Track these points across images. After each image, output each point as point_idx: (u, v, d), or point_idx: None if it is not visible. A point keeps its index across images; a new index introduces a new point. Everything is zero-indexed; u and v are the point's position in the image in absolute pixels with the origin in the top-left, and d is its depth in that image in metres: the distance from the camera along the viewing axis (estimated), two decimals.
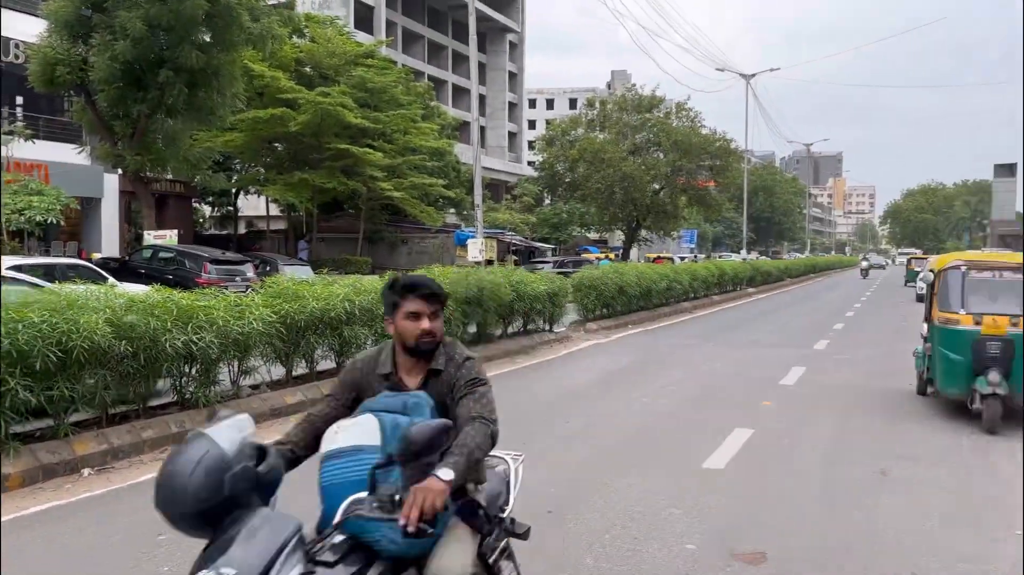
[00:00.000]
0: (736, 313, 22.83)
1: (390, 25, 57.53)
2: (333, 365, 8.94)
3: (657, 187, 43.45)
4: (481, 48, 67.41)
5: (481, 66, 68.02)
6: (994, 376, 7.30)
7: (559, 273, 17.89)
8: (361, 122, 30.40)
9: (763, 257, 66.94)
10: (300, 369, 8.54)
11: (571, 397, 9.37)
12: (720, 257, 53.83)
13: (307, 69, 33.17)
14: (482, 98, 68.37)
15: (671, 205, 43.65)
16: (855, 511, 5.28)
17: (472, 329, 11.84)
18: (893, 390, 9.74)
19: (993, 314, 7.54)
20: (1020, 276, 7.69)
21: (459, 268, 12.27)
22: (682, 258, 49.74)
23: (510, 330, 13.28)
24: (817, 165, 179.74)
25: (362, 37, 46.45)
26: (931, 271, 8.60)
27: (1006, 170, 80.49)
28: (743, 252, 50.79)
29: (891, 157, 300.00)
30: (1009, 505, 5.38)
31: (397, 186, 32.61)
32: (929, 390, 8.87)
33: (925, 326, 8.73)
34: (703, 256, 60.92)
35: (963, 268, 8.00)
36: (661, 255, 49.40)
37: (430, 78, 58.20)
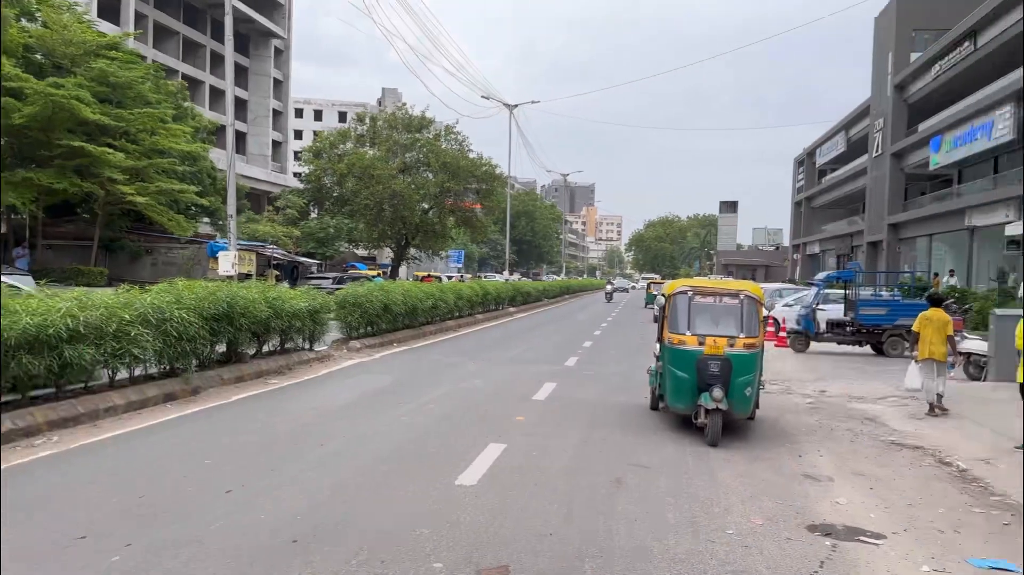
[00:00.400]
0: (498, 331, 23.63)
1: (140, 17, 52.98)
2: (53, 390, 7.92)
3: (426, 206, 43.98)
4: (243, 51, 64.14)
5: (243, 69, 64.69)
6: (718, 393, 8.03)
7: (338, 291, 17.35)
8: (100, 118, 27.63)
9: (524, 278, 70.16)
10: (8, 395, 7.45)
11: (328, 418, 9.08)
12: (485, 277, 55.68)
13: (38, 56, 29.55)
14: (244, 103, 64.91)
15: (439, 225, 44.38)
16: (594, 519, 5.60)
17: (221, 348, 11.10)
18: (631, 404, 10.55)
19: (714, 335, 8.38)
20: (736, 301, 8.63)
21: (208, 282, 11.43)
22: (449, 277, 50.68)
23: (266, 349, 12.64)
24: (573, 194, 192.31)
25: (106, 27, 42.36)
26: (663, 295, 9.32)
27: (729, 206, 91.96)
28: (506, 273, 52.86)
29: (636, 190, 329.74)
30: (723, 507, 6.01)
31: (141, 190, 29.98)
32: (660, 405, 9.56)
33: (657, 346, 9.53)
34: (469, 276, 62.56)
35: (689, 293, 8.78)
36: (430, 274, 49.98)
37: (185, 77, 54.33)
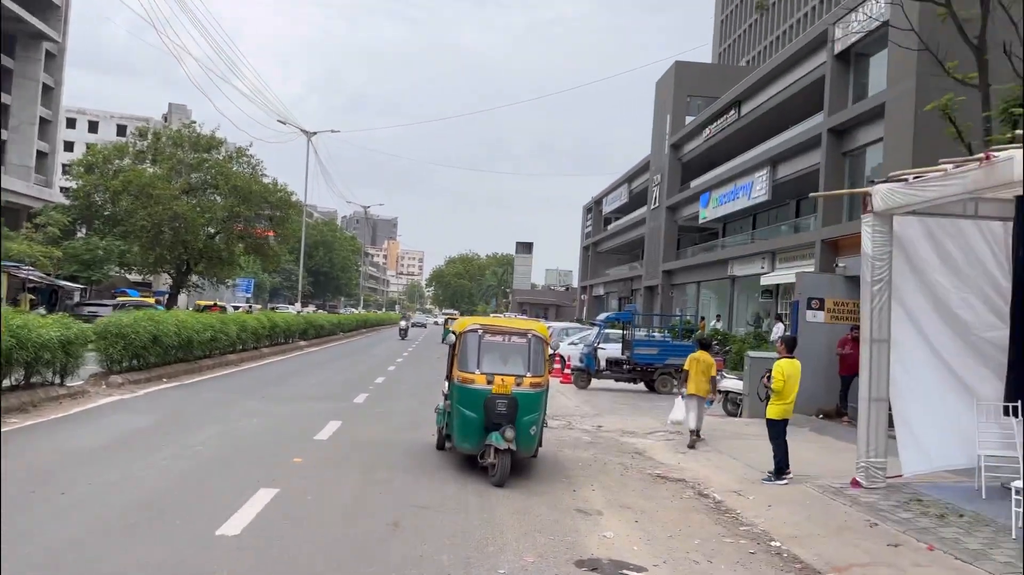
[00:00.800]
0: (285, 366, 22.59)
1: None
2: None
3: (212, 231, 41.46)
4: (9, 51, 57.72)
5: (7, 71, 58.09)
6: (510, 433, 7.94)
7: None
8: None
9: (320, 310, 68.06)
10: None
11: (74, 462, 8.08)
12: (276, 308, 53.21)
13: None
14: (5, 107, 58.16)
15: (227, 251, 41.96)
16: (365, 567, 5.37)
17: None
18: (419, 443, 10.41)
19: (502, 374, 8.37)
20: (524, 340, 8.70)
21: None
22: (236, 307, 47.91)
23: (6, 383, 11.11)
24: (375, 227, 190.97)
25: None
26: (453, 332, 9.11)
27: (525, 247, 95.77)
28: (298, 304, 50.98)
29: (439, 226, 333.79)
30: (497, 546, 6.01)
31: None
32: (448, 445, 9.36)
33: (446, 384, 9.39)
34: (258, 306, 59.55)
35: (479, 331, 8.73)
36: (216, 303, 46.94)
37: None
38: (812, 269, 24.72)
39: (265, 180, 42.90)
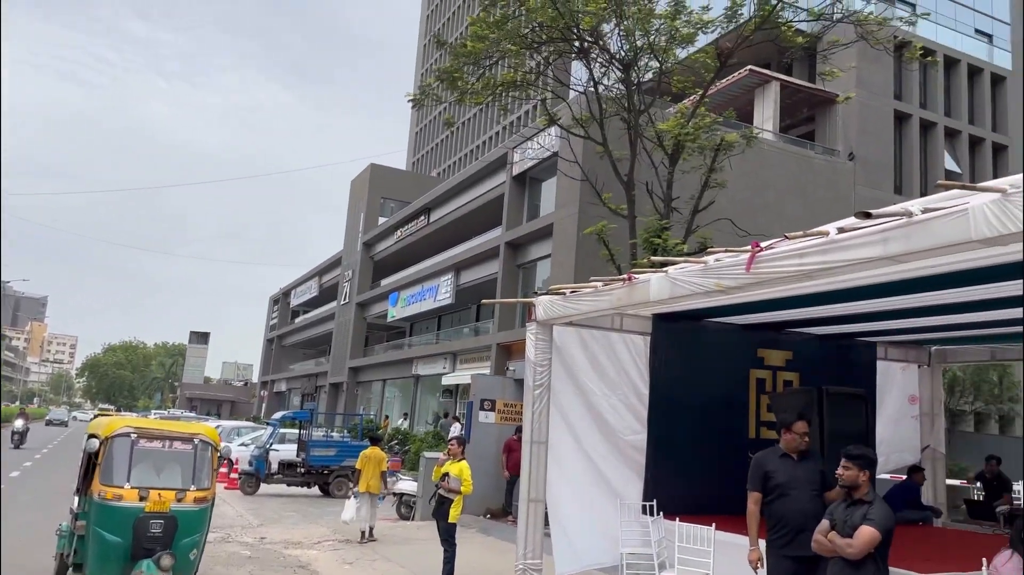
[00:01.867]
0: None
1: None
2: None
3: None
4: None
5: None
6: (167, 561, 6.70)
7: None
8: None
9: None
10: None
11: None
12: None
13: None
14: None
15: None
16: None
17: None
18: (33, 568, 8.58)
19: (159, 488, 7.08)
20: (189, 447, 7.50)
21: None
22: None
23: None
24: (18, 305, 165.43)
25: None
26: (95, 436, 7.63)
27: (200, 337, 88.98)
28: None
29: (99, 309, 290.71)
30: None
31: None
32: None
33: (76, 499, 7.75)
34: None
35: (133, 436, 7.32)
36: None
37: None
38: (488, 371, 25.98)
39: None
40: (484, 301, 19.24)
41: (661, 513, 7.70)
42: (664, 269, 6.54)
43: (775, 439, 10.00)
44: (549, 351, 8.83)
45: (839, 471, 4.76)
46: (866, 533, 4.51)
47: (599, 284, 7.52)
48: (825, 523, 4.70)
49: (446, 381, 33.54)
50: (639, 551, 8.53)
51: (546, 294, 8.42)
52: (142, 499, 6.95)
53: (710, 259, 6.02)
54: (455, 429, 21.75)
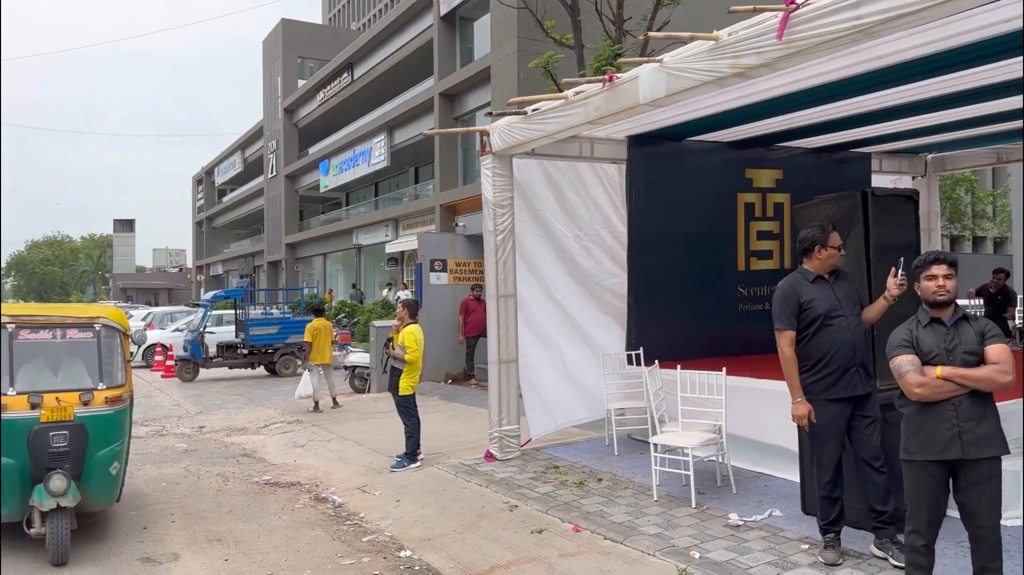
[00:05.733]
0: None
1: None
2: None
3: None
4: None
5: None
6: (58, 482, 5.25)
7: None
8: None
9: None
10: None
11: None
12: None
13: None
14: None
15: None
16: None
17: None
18: None
19: (57, 391, 5.52)
20: (89, 335, 5.83)
21: None
22: None
23: None
24: None
25: None
26: None
27: (125, 225, 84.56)
28: None
29: (17, 206, 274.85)
30: None
31: None
32: None
33: None
34: None
35: (10, 326, 5.65)
36: None
37: None
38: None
39: None
40: (425, 132, 17.04)
41: (657, 362, 6.64)
42: (658, 58, 5.09)
43: (768, 270, 9.15)
44: (510, 188, 7.46)
45: (937, 284, 3.56)
46: (1006, 352, 3.42)
47: (569, 94, 6.05)
48: (910, 359, 3.55)
49: (390, 249, 32.07)
50: (624, 405, 7.57)
51: (501, 115, 6.92)
52: (34, 407, 5.40)
53: (722, 33, 4.59)
54: (404, 294, 20.57)
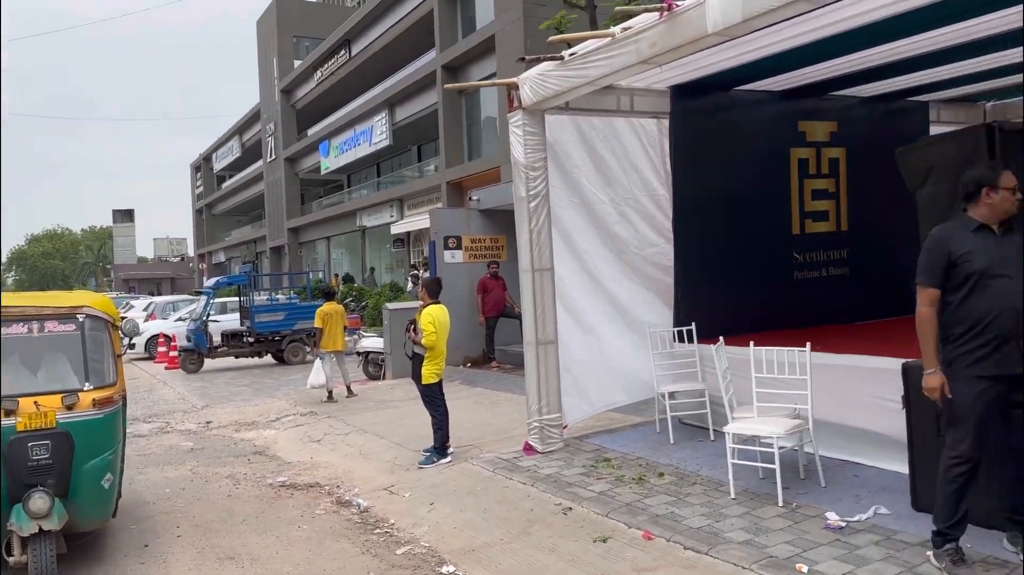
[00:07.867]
0: None
1: None
2: None
3: None
4: None
5: None
6: (40, 502, 4.45)
7: None
8: None
9: None
10: None
11: None
12: None
13: None
14: None
15: None
16: None
17: None
18: None
19: (35, 394, 4.68)
20: (72, 328, 4.98)
21: None
22: None
23: None
24: None
25: None
26: None
27: (125, 215, 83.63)
28: None
29: (16, 201, 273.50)
30: None
31: None
32: None
33: None
34: None
35: None
36: None
37: None
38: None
39: None
40: (447, 86, 15.91)
41: (721, 338, 5.85)
42: None
43: (825, 232, 8.33)
44: (543, 148, 6.65)
45: None
46: None
47: (617, 30, 5.21)
48: None
49: (395, 230, 31.22)
50: (682, 387, 6.80)
51: (535, 61, 6.07)
52: (9, 414, 4.56)
53: None
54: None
